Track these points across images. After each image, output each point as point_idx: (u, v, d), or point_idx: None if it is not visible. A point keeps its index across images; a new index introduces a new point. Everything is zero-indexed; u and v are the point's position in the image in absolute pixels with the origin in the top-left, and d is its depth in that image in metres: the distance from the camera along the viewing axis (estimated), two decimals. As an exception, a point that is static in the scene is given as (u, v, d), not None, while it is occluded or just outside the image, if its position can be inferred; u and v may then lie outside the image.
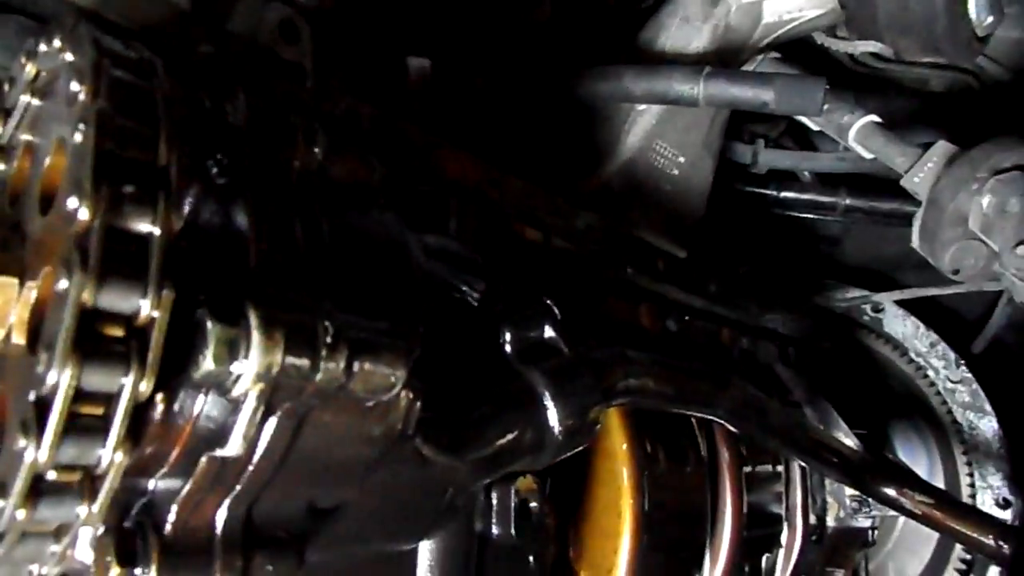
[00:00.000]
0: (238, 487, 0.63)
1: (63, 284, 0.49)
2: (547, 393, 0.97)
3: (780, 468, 1.79)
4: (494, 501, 1.06)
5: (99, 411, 0.52)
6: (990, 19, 1.63)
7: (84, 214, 0.49)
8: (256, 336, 0.55)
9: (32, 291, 0.57)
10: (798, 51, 1.92)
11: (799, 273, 2.36)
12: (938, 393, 2.20)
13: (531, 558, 1.11)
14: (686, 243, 1.83)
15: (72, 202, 0.49)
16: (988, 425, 2.12)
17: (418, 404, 0.73)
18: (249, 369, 0.55)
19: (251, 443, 0.59)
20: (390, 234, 0.73)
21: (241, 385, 0.56)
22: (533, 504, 1.09)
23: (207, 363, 0.55)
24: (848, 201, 2.26)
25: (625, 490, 1.37)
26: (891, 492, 1.69)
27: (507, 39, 1.67)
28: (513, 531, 1.06)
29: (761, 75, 1.58)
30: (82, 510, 0.53)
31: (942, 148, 1.57)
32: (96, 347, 0.50)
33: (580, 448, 1.05)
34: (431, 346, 0.74)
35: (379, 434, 0.69)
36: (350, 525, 0.78)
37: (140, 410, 0.55)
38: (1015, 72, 2.06)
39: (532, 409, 0.96)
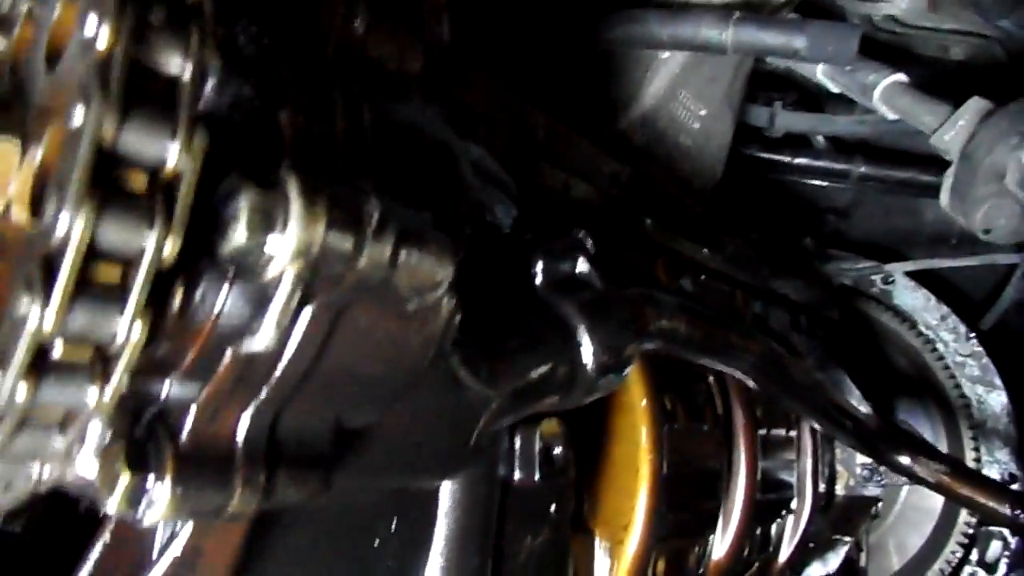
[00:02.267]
0: (264, 392, 0.56)
1: (78, 119, 0.41)
2: (581, 327, 0.91)
3: (792, 433, 1.75)
4: (517, 444, 1.00)
5: (115, 276, 0.44)
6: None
7: (105, 38, 0.41)
8: (296, 205, 0.48)
9: (37, 153, 0.50)
10: (815, 13, 1.86)
11: (809, 241, 2.31)
12: (946, 367, 2.17)
13: (553, 507, 1.05)
14: (703, 199, 1.77)
15: (92, 25, 0.41)
16: (997, 399, 2.09)
17: (458, 317, 0.66)
18: (286, 245, 0.48)
19: (283, 335, 0.51)
20: (434, 131, 0.66)
21: (275, 265, 0.48)
22: (557, 450, 1.03)
23: (238, 235, 0.47)
24: (863, 169, 2.21)
25: (643, 447, 1.32)
26: (905, 460, 1.65)
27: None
28: (537, 476, 1.00)
29: (793, 21, 1.52)
30: (92, 395, 0.46)
31: (976, 104, 1.52)
32: (115, 194, 0.42)
33: (607, 391, 0.99)
34: (464, 267, 0.68)
35: (418, 344, 0.62)
36: (376, 454, 0.72)
37: (160, 285, 0.47)
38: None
39: (565, 343, 0.90)
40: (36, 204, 0.47)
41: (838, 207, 2.44)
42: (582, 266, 0.98)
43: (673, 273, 1.61)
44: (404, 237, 0.54)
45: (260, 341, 0.51)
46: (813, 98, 2.32)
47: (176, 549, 0.63)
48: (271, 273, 0.49)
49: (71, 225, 0.41)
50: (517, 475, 1.00)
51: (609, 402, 1.34)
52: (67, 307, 0.43)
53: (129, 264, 0.45)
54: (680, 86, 1.65)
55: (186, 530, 0.63)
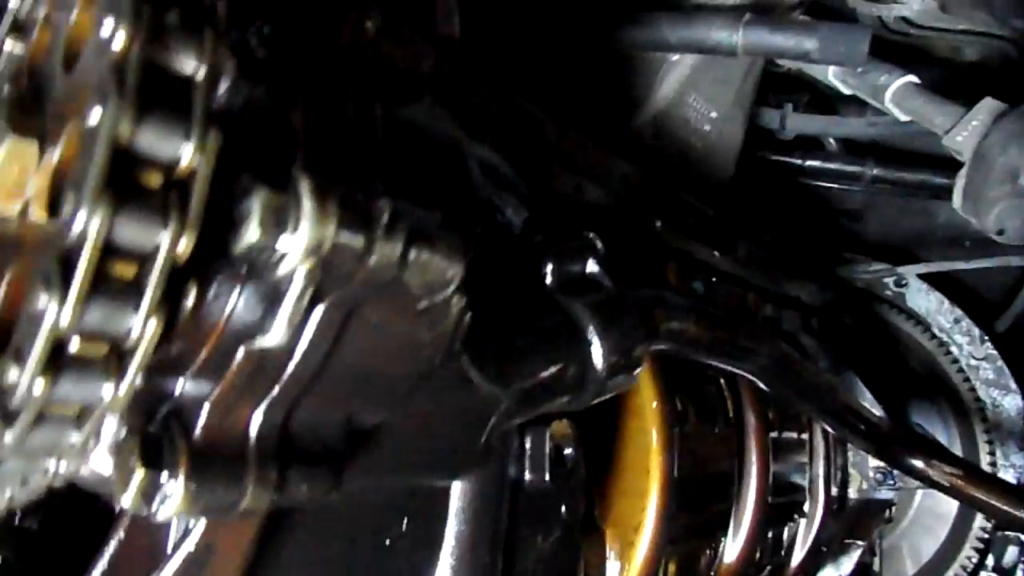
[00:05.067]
0: (276, 388, 0.56)
1: (94, 118, 0.42)
2: (592, 327, 0.91)
3: (805, 436, 1.74)
4: (527, 445, 1.00)
5: (130, 273, 0.45)
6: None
7: (121, 39, 0.42)
8: (307, 205, 0.48)
9: (54, 153, 0.50)
10: (826, 15, 1.85)
11: (821, 244, 2.30)
12: (960, 370, 2.15)
13: (563, 508, 1.05)
14: (714, 202, 1.77)
15: (108, 27, 0.42)
16: (1012, 403, 2.07)
17: (468, 316, 0.67)
18: (298, 243, 0.48)
19: (295, 332, 0.52)
20: (445, 132, 0.66)
21: (287, 264, 0.49)
22: (568, 450, 1.03)
23: (250, 233, 0.48)
24: (875, 171, 2.19)
25: (654, 448, 1.32)
26: (919, 464, 1.64)
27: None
28: (547, 477, 1.00)
29: (803, 23, 1.51)
30: (107, 390, 0.47)
31: (988, 105, 1.51)
32: (131, 192, 0.43)
33: (617, 392, 0.99)
34: (474, 267, 0.68)
35: (429, 342, 0.63)
36: (387, 452, 0.72)
37: (174, 284, 0.48)
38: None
39: (576, 343, 0.90)
40: (53, 203, 0.48)
41: (850, 210, 2.43)
42: (592, 267, 0.98)
43: (684, 275, 1.60)
44: (414, 236, 0.54)
45: (272, 338, 0.52)
46: (825, 100, 2.31)
47: (189, 545, 0.63)
48: (283, 271, 0.49)
49: (88, 222, 0.42)
50: (527, 476, 1.00)
51: (620, 404, 1.34)
52: (83, 303, 0.44)
53: (144, 261, 0.45)
54: (691, 88, 1.65)
55: (199, 527, 0.64)
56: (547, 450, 1.00)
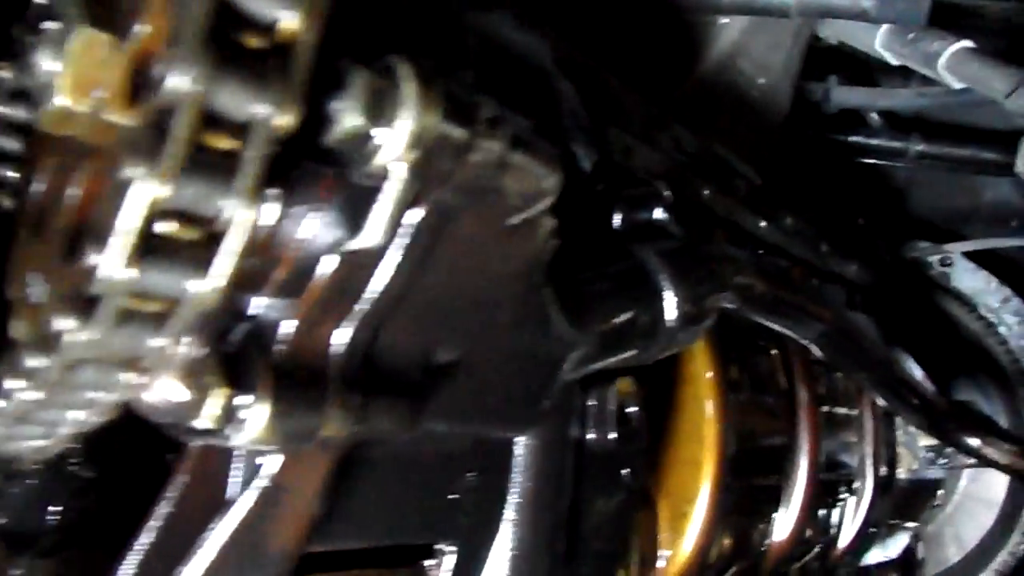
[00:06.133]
0: (362, 304, 0.52)
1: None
2: (664, 276, 0.86)
3: (854, 412, 1.69)
4: (591, 403, 0.96)
5: (227, 146, 0.41)
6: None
7: None
8: (410, 91, 0.44)
9: (133, 46, 0.47)
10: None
11: (864, 221, 2.24)
12: (1009, 351, 2.09)
13: (626, 470, 1.00)
14: (760, 169, 1.72)
15: None
16: (1063, 383, 2.01)
17: (554, 241, 0.62)
18: (400, 132, 0.44)
19: (389, 234, 0.48)
20: (538, 56, 0.62)
21: (385, 155, 0.45)
22: (632, 409, 0.99)
23: (349, 118, 0.43)
24: (921, 147, 2.13)
25: (709, 418, 1.27)
26: (974, 442, 1.58)
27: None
28: (612, 435, 0.95)
29: (862, -21, 1.46)
30: (194, 284, 0.42)
31: (1054, 65, 1.45)
32: (230, 53, 0.39)
33: (684, 345, 0.94)
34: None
35: (517, 263, 0.59)
36: (461, 394, 0.68)
37: (274, 161, 0.43)
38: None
39: (648, 291, 0.86)
40: (136, 89, 0.44)
41: (893, 186, 2.36)
42: (660, 214, 0.93)
43: (731, 244, 1.55)
44: (515, 138, 0.50)
45: (365, 239, 0.47)
46: (865, 75, 2.25)
47: (260, 483, 0.59)
48: (380, 164, 0.45)
49: (188, 76, 0.38)
50: (591, 434, 0.96)
51: (673, 372, 1.30)
52: (178, 174, 0.39)
53: (242, 130, 0.41)
54: (740, 53, 1.60)
55: (271, 464, 0.60)
56: (612, 408, 0.95)
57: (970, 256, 2.15)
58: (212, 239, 0.42)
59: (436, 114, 0.45)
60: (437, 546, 0.81)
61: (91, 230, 0.42)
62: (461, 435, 0.79)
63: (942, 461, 1.74)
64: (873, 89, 2.08)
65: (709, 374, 1.29)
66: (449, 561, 0.82)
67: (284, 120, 0.41)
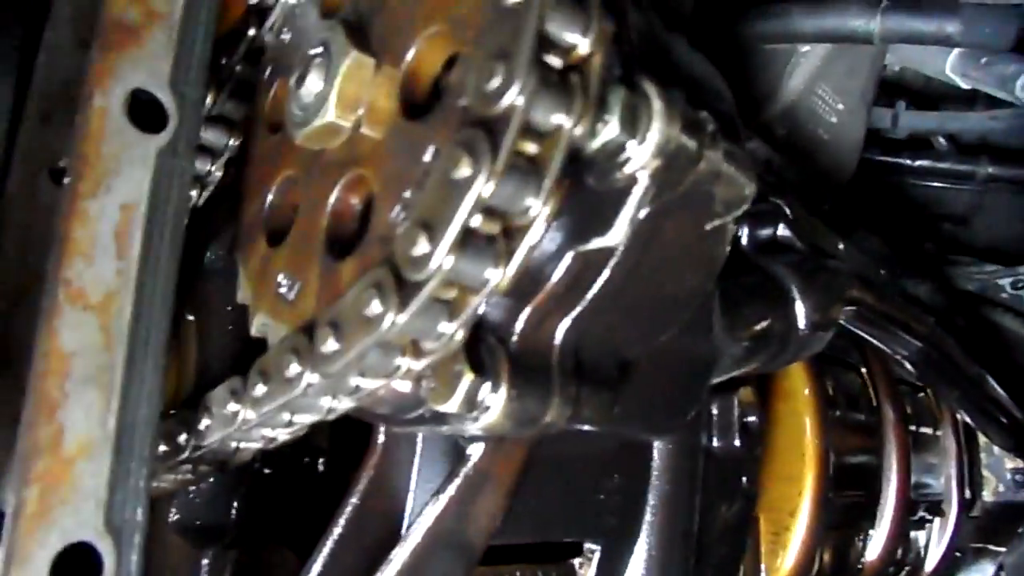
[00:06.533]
0: (588, 298, 0.57)
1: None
2: (794, 286, 0.91)
3: (938, 433, 1.69)
4: (715, 411, 0.99)
5: (534, 151, 0.46)
6: None
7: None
8: (658, 105, 0.49)
9: (399, 68, 0.53)
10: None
11: (929, 245, 2.25)
12: (1085, 374, 2.07)
13: (745, 478, 1.03)
14: (832, 195, 1.75)
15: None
16: None
17: (728, 248, 0.67)
18: (649, 141, 0.49)
19: (633, 231, 0.52)
20: (707, 69, 0.68)
21: (635, 163, 0.50)
22: (752, 418, 1.02)
23: (610, 129, 0.49)
24: (990, 170, 2.15)
25: (809, 432, 1.30)
26: (1063, 463, 1.58)
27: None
28: (736, 443, 0.98)
29: (945, 4, 1.50)
30: (493, 274, 0.48)
31: None
32: (545, 72, 0.45)
33: (812, 352, 0.98)
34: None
35: (705, 265, 0.63)
36: (635, 392, 0.72)
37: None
38: None
39: (780, 301, 0.90)
40: (409, 111, 0.50)
41: (959, 211, 2.38)
42: (784, 231, 0.98)
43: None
44: (727, 150, 0.55)
45: (611, 238, 0.53)
46: (928, 101, 2.28)
47: (467, 470, 0.64)
48: (630, 170, 0.50)
49: (519, 90, 0.44)
50: (715, 442, 0.99)
51: (770, 388, 1.32)
52: (504, 174, 0.45)
53: (546, 137, 0.47)
54: (820, 79, 1.64)
55: (476, 453, 0.64)
56: (735, 416, 0.99)
57: (1043, 279, 2.15)
58: (509, 234, 0.48)
59: (677, 126, 0.50)
60: (586, 545, 0.85)
61: (417, 223, 0.47)
62: (609, 437, 0.83)
63: (1029, 484, 1.73)
64: (942, 113, 2.11)
65: (807, 390, 1.32)
66: (596, 560, 0.85)
67: (582, 129, 0.47)
